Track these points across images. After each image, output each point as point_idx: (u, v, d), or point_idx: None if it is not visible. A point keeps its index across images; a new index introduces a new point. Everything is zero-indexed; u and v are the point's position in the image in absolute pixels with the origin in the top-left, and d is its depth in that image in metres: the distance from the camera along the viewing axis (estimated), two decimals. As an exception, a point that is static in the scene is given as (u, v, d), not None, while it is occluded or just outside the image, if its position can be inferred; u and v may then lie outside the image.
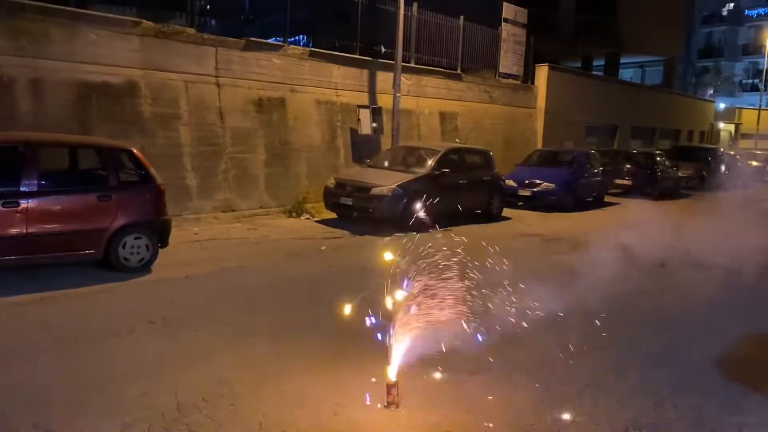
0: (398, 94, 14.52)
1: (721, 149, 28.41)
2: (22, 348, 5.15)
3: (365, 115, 14.47)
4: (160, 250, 7.86)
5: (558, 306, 6.37)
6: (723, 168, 25.37)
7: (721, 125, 40.19)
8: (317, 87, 13.95)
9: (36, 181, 6.80)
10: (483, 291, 5.22)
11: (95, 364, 4.87)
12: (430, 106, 17.04)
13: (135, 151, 7.84)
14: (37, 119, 9.67)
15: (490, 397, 4.56)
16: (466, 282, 4.96)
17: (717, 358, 5.68)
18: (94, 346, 5.24)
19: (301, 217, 12.51)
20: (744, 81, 52.67)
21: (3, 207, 6.56)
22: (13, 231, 6.63)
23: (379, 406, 4.31)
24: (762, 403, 4.74)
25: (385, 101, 14.90)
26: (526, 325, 5.80)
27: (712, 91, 47.18)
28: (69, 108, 10.13)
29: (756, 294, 8.18)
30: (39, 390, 4.37)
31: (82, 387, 4.43)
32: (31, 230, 6.71)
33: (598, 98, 24.38)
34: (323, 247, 9.83)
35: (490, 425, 4.12)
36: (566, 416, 4.33)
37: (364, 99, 14.94)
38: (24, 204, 6.67)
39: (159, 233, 7.82)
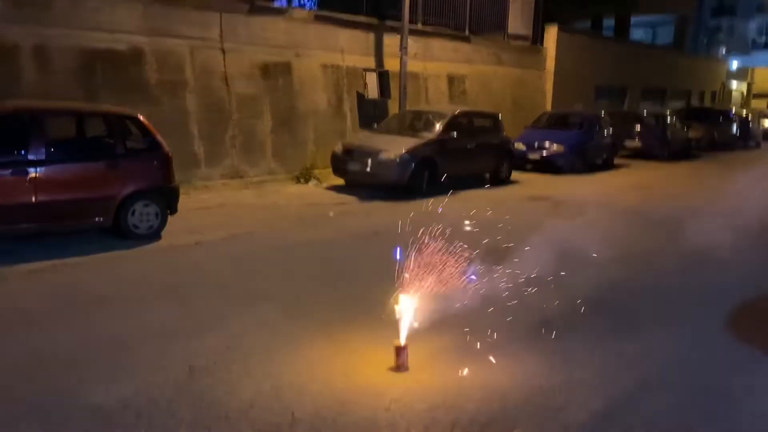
0: (405, 57, 14.35)
1: (733, 109, 28.04)
2: (36, 315, 5.21)
3: (372, 79, 14.33)
4: (169, 217, 7.89)
5: (566, 268, 6.37)
6: (734, 128, 25.10)
7: (734, 85, 39.55)
8: (323, 51, 13.79)
9: (44, 150, 6.80)
10: (488, 254, 5.22)
11: (108, 330, 4.93)
12: (438, 69, 16.83)
13: (141, 118, 7.82)
14: (42, 87, 9.63)
15: (499, 360, 4.60)
16: (472, 246, 4.96)
17: (727, 319, 5.69)
18: (107, 313, 5.30)
19: (309, 183, 12.50)
20: (757, 39, 51.62)
21: (12, 176, 6.58)
22: (23, 200, 6.66)
23: (388, 369, 4.34)
24: (771, 363, 4.76)
25: (392, 65, 14.73)
26: (531, 288, 5.82)
27: (724, 51, 46.29)
28: (74, 76, 10.08)
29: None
30: (54, 356, 4.43)
31: (95, 353, 4.50)
32: (40, 199, 6.74)
33: (608, 59, 24.01)
34: (331, 213, 9.84)
35: (499, 387, 4.15)
36: (575, 377, 4.35)
37: (371, 63, 14.77)
38: (32, 173, 6.68)
39: (168, 200, 7.84)
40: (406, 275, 4.43)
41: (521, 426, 3.69)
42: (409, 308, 4.44)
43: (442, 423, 3.68)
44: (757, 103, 39.98)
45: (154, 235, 7.69)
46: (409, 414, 3.77)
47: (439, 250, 4.63)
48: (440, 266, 4.59)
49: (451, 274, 4.64)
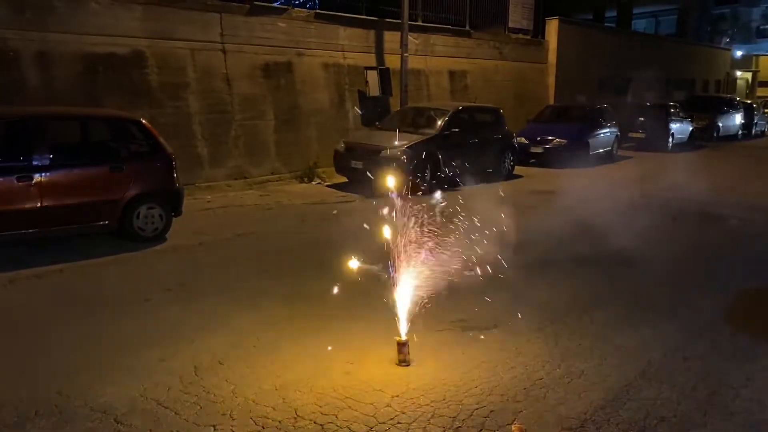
0: (406, 54, 14.39)
1: (737, 98, 27.90)
2: (44, 318, 5.29)
3: (373, 76, 14.37)
4: (174, 218, 7.96)
5: (566, 262, 6.40)
6: (739, 117, 24.99)
7: (738, 74, 39.33)
8: (324, 50, 13.84)
9: (48, 155, 6.86)
10: (490, 247, 5.26)
11: (114, 331, 5.00)
12: (439, 64, 16.85)
13: (144, 121, 7.90)
14: (45, 93, 9.72)
15: (500, 353, 4.64)
16: (474, 240, 5.01)
17: (727, 308, 5.71)
18: (113, 315, 5.37)
19: (313, 182, 12.56)
20: (761, 27, 51.21)
21: (17, 182, 6.65)
22: (29, 205, 6.73)
23: (391, 364, 4.40)
24: (770, 352, 4.79)
25: (393, 62, 14.75)
26: (533, 281, 5.85)
27: (728, 39, 45.97)
28: (76, 80, 10.16)
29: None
30: (61, 358, 4.51)
31: (102, 354, 4.57)
32: (45, 203, 6.82)
33: (610, 51, 23.95)
34: (335, 212, 9.88)
35: (500, 380, 4.20)
36: (575, 369, 4.39)
37: (372, 60, 14.80)
38: (37, 178, 6.75)
39: (172, 202, 7.91)
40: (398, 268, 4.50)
41: (521, 419, 3.73)
42: (409, 303, 4.51)
43: (443, 417, 3.73)
44: (763, 92, 39.78)
45: (159, 236, 7.77)
46: (411, 409, 3.82)
47: (439, 244, 4.69)
48: (441, 259, 4.65)
49: (452, 267, 4.70)
